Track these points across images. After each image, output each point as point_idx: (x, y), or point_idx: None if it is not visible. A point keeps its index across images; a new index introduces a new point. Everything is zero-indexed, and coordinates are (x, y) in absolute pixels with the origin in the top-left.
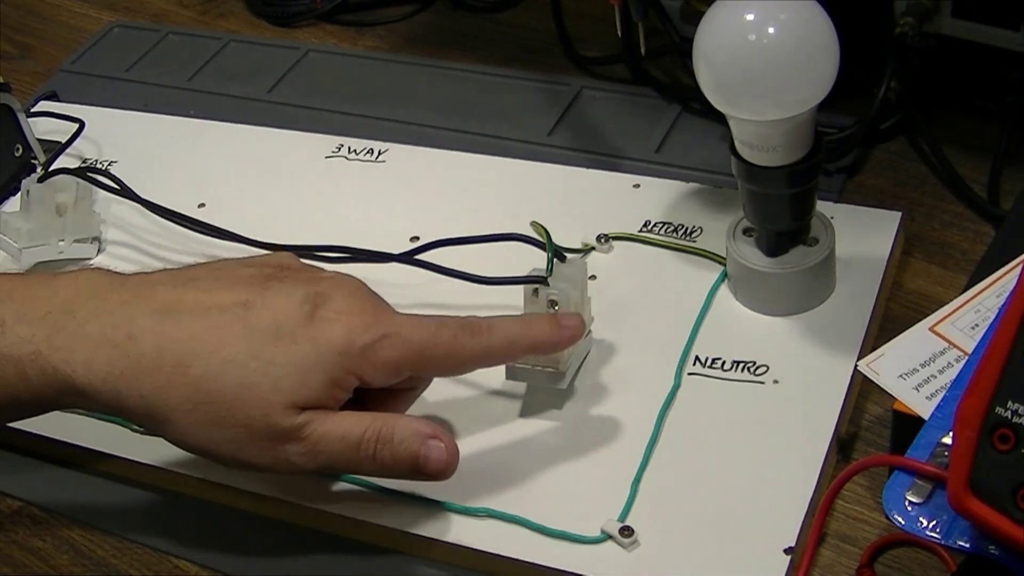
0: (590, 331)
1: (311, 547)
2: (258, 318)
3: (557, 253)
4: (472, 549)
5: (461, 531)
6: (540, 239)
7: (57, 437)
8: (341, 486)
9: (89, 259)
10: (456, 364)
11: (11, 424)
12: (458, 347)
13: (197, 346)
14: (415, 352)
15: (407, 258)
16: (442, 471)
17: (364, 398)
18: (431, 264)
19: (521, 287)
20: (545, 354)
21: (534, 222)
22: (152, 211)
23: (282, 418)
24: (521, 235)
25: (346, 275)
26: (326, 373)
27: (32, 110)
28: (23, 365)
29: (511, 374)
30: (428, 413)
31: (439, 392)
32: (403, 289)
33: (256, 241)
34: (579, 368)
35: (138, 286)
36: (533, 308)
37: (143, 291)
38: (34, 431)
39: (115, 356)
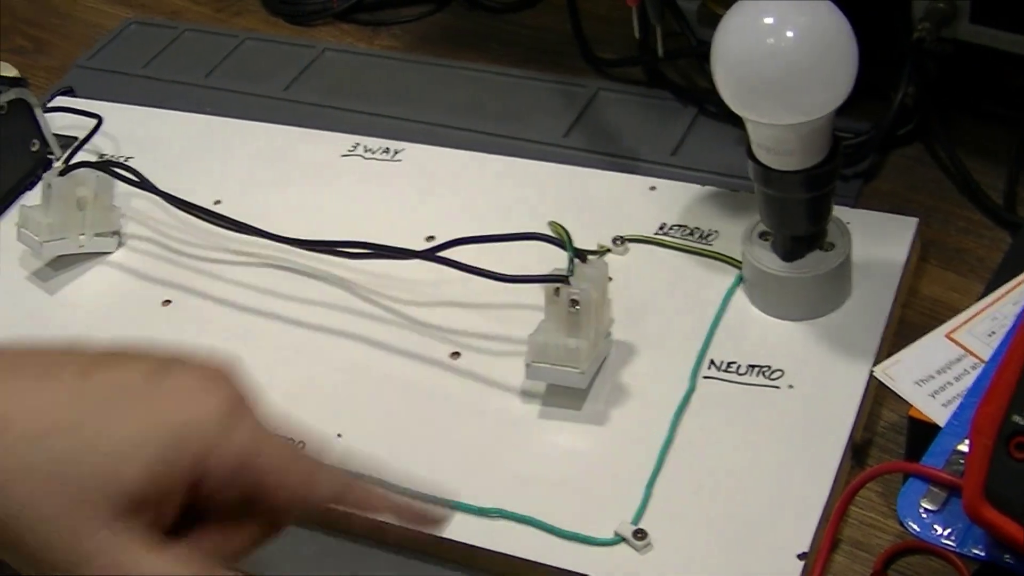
0: (610, 333)
1: (321, 546)
2: (98, 379)
3: (578, 253)
4: (484, 549)
5: (473, 531)
6: (560, 239)
7: None
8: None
9: (109, 253)
10: (301, 486)
11: None
12: (313, 471)
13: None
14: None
15: (430, 255)
16: None
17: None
18: (453, 261)
19: (540, 287)
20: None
21: (552, 222)
22: (172, 204)
23: (89, 522)
24: (541, 235)
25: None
26: (152, 463)
27: (48, 105)
28: None
29: (531, 373)
30: (436, 414)
31: (453, 393)
32: (422, 286)
33: (274, 235)
34: (599, 369)
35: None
36: (553, 307)
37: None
38: None
39: None
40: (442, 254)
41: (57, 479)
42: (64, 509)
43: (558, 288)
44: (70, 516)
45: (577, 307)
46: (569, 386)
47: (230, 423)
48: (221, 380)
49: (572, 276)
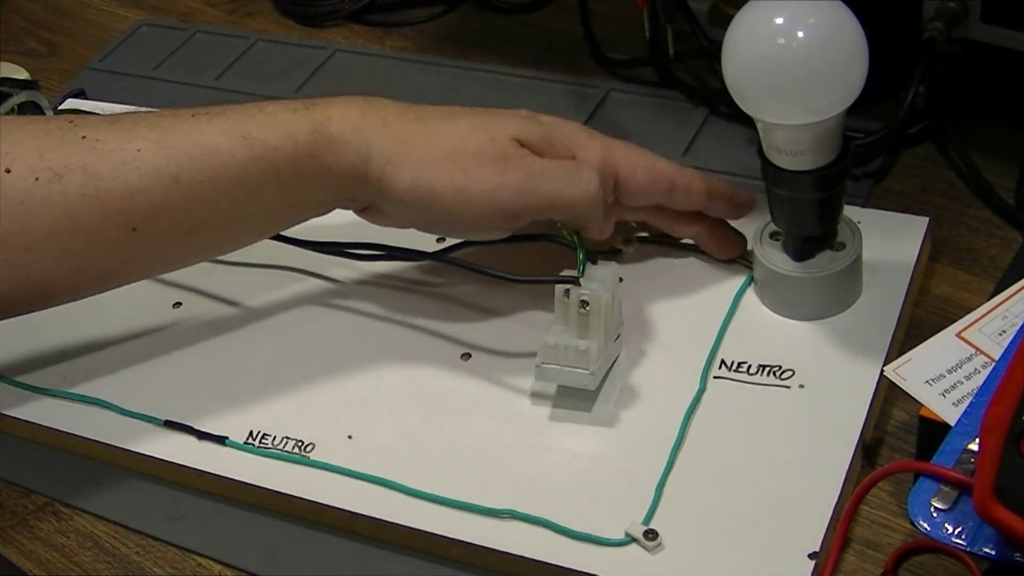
0: (619, 335)
1: (333, 547)
2: (482, 108)
3: (588, 255)
4: (495, 550)
5: (484, 532)
6: (570, 241)
7: (81, 434)
8: (364, 487)
9: None
10: (654, 176)
11: (37, 420)
12: (655, 158)
13: (431, 107)
14: (619, 145)
15: (441, 256)
16: None
17: None
18: (464, 263)
19: (551, 288)
20: (722, 213)
21: (562, 224)
22: None
23: (506, 144)
24: (552, 236)
25: None
26: (544, 130)
27: (59, 107)
28: (286, 122)
29: (540, 374)
30: (447, 416)
31: (464, 394)
32: (434, 288)
33: (285, 236)
34: (608, 371)
35: None
36: (563, 308)
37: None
38: (59, 428)
39: (366, 108)
40: (453, 256)
41: (476, 129)
42: (483, 142)
43: (568, 290)
44: (492, 144)
45: (587, 308)
46: (578, 387)
47: (588, 135)
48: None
49: (582, 278)
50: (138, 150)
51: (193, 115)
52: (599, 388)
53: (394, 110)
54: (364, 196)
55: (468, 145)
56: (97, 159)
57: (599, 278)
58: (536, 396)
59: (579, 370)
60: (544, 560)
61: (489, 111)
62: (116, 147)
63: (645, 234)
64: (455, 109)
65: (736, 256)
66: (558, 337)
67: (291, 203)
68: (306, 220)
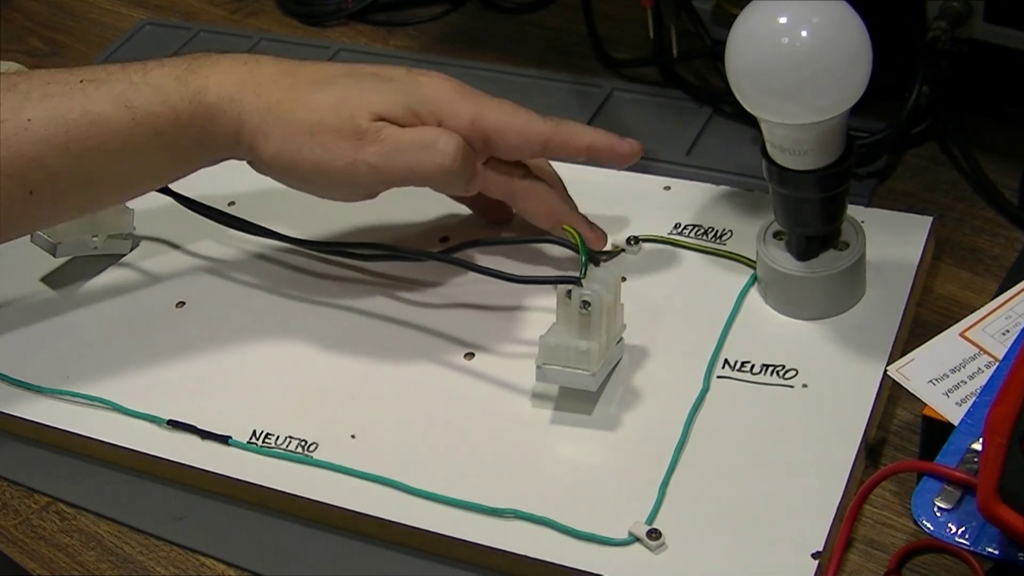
0: (622, 338)
1: (336, 546)
2: (363, 68)
3: (590, 255)
4: (498, 550)
5: (488, 532)
6: (572, 241)
7: (85, 433)
8: (368, 487)
9: (123, 255)
10: (525, 136)
11: (40, 420)
12: (528, 118)
13: (309, 70)
14: (492, 108)
15: (444, 256)
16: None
17: None
18: (467, 263)
19: (554, 288)
20: (600, 162)
21: (566, 225)
22: (185, 206)
23: (364, 120)
24: (554, 238)
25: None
26: (408, 101)
27: None
28: (166, 91)
29: (541, 375)
30: (450, 415)
31: (467, 394)
32: (437, 287)
33: (288, 237)
34: (610, 373)
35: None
36: (565, 309)
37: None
38: (62, 427)
39: (243, 75)
40: (455, 256)
41: (338, 105)
42: (343, 118)
43: (570, 290)
44: (350, 120)
45: (588, 309)
46: (579, 388)
47: (459, 99)
48: (453, 79)
49: (584, 278)
50: (29, 119)
51: (81, 81)
52: (601, 390)
53: (270, 75)
54: (241, 156)
55: (328, 120)
56: None
57: (601, 279)
58: (539, 396)
59: (579, 371)
60: (547, 560)
61: (360, 80)
62: (10, 116)
63: (648, 234)
64: (329, 73)
65: (633, 157)
66: (559, 338)
67: (178, 159)
68: (198, 170)
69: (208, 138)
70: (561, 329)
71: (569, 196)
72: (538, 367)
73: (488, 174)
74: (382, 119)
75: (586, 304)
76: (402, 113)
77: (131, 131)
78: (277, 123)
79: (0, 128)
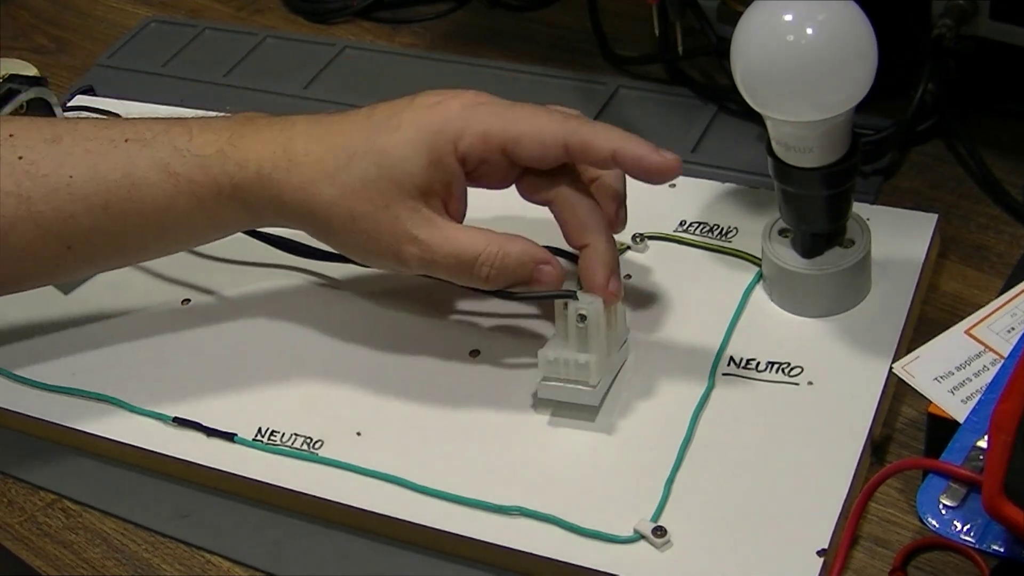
0: (626, 341)
1: (342, 544)
2: (378, 111)
3: None
4: (504, 547)
5: (493, 529)
6: (572, 251)
7: (90, 431)
8: (373, 484)
9: None
10: (541, 142)
11: (46, 417)
12: (545, 122)
13: (333, 139)
14: (504, 118)
15: None
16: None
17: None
18: None
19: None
20: (629, 174)
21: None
22: None
23: (401, 210)
24: (552, 248)
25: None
26: (427, 154)
27: (68, 104)
28: (209, 165)
29: (543, 391)
30: (455, 413)
31: (473, 391)
32: (442, 285)
33: (292, 241)
34: (612, 384)
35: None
36: (563, 322)
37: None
38: (67, 424)
39: (277, 155)
40: None
41: (368, 189)
42: (379, 206)
43: (566, 303)
44: (386, 210)
45: (584, 323)
46: (581, 403)
47: (472, 111)
48: (458, 91)
49: (580, 290)
50: (71, 177)
51: (126, 140)
52: (603, 401)
53: (302, 148)
54: (287, 225)
55: (360, 208)
56: (32, 184)
57: None
58: None
59: (580, 386)
60: (553, 557)
61: (386, 151)
62: (50, 171)
63: (653, 232)
64: (353, 148)
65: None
66: (558, 351)
67: (218, 227)
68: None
69: (248, 213)
70: (560, 342)
71: (619, 213)
72: (539, 384)
73: (524, 183)
74: (425, 196)
75: (582, 317)
76: (442, 189)
77: (173, 198)
78: (316, 205)
79: (41, 183)
